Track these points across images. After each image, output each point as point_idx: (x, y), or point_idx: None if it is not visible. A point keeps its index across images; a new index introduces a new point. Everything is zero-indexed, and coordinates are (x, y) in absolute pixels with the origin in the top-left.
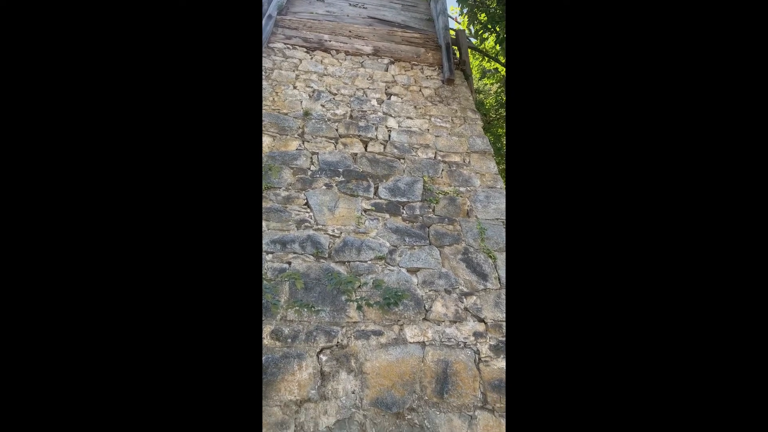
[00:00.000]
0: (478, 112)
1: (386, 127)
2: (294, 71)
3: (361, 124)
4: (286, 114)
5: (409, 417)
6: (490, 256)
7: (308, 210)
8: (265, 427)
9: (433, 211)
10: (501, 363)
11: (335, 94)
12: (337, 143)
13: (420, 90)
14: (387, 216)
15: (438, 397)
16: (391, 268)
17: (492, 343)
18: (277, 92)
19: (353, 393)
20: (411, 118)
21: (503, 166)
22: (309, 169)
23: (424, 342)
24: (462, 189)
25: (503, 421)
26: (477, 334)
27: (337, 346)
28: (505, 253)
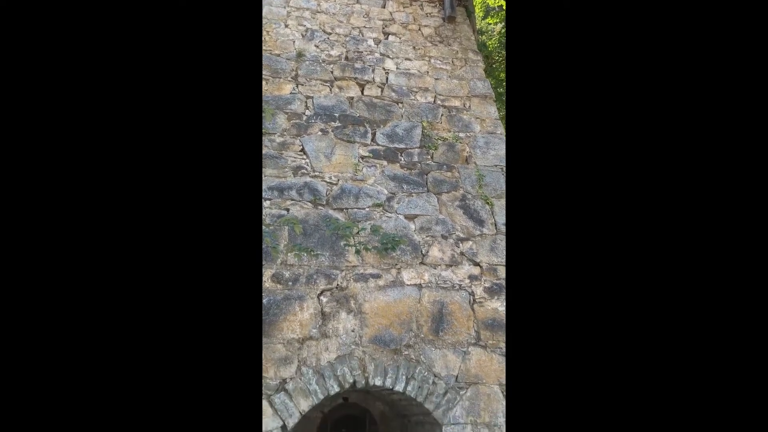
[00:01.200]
0: (479, 53)
1: (383, 69)
2: (285, 7)
3: (357, 65)
4: (278, 55)
5: (406, 353)
6: (488, 203)
7: (304, 156)
8: (270, 362)
9: (432, 157)
10: (494, 304)
11: (329, 34)
12: (332, 86)
13: (419, 29)
14: (385, 163)
15: (434, 335)
16: (389, 214)
17: (486, 285)
18: (267, 31)
19: (353, 331)
20: (410, 60)
21: (503, 113)
22: (304, 113)
23: (420, 284)
24: (461, 135)
25: (495, 356)
26: (472, 277)
27: (336, 288)
28: (502, 200)
